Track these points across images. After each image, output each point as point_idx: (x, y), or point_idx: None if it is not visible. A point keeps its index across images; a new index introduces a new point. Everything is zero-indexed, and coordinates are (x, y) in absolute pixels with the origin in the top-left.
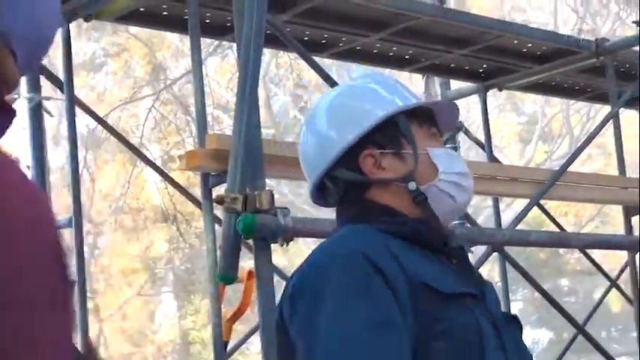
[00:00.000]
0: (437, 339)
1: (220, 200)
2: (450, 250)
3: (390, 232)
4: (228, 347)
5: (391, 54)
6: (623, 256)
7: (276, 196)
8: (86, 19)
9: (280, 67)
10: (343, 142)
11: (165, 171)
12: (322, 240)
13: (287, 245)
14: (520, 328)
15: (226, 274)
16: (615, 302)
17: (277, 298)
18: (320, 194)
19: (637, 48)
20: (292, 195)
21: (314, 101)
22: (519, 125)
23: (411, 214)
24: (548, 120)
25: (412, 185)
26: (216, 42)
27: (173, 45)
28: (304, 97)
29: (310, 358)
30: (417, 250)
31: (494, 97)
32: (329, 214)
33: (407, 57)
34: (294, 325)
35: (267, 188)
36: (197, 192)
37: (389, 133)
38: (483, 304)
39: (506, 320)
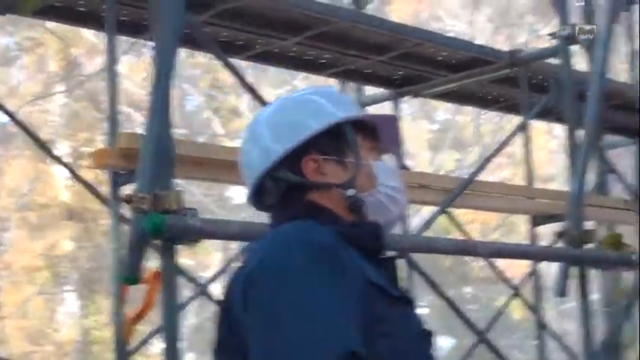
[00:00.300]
0: (380, 340)
1: (129, 199)
2: (383, 259)
3: (334, 231)
4: (130, 348)
5: (308, 58)
6: (526, 264)
7: (184, 197)
8: (1, 13)
9: (196, 67)
10: (285, 148)
11: (73, 168)
12: (230, 241)
13: (195, 246)
14: (431, 344)
15: (131, 274)
16: (517, 310)
17: (180, 299)
18: (256, 198)
19: (551, 60)
20: (201, 195)
21: (230, 102)
22: (431, 133)
23: (347, 219)
24: (460, 128)
25: (351, 192)
26: (132, 40)
27: (89, 41)
28: (218, 98)
29: (271, 343)
30: (357, 252)
31: (407, 103)
32: (237, 216)
33: (323, 61)
34: (250, 314)
35: (176, 188)
36: (105, 190)
37: (334, 141)
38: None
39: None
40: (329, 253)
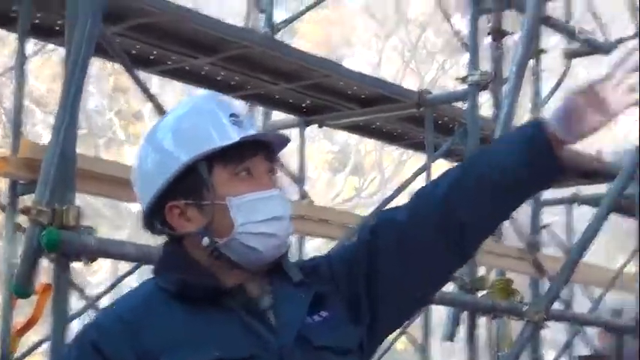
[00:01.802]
0: None
1: (27, 210)
2: (237, 302)
3: (166, 290)
4: (15, 358)
5: (218, 78)
6: None
7: (89, 211)
8: None
9: (101, 68)
10: (145, 204)
11: None
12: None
13: (90, 264)
14: (330, 349)
15: (23, 286)
16: (399, 344)
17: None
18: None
19: (457, 104)
20: (93, 199)
21: (132, 106)
22: (331, 154)
23: (215, 267)
24: (362, 156)
25: (205, 241)
26: (39, 43)
27: None
28: (121, 101)
29: None
30: (182, 312)
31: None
32: (130, 222)
33: (233, 83)
34: None
35: (76, 204)
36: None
37: (190, 181)
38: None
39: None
40: (99, 355)
